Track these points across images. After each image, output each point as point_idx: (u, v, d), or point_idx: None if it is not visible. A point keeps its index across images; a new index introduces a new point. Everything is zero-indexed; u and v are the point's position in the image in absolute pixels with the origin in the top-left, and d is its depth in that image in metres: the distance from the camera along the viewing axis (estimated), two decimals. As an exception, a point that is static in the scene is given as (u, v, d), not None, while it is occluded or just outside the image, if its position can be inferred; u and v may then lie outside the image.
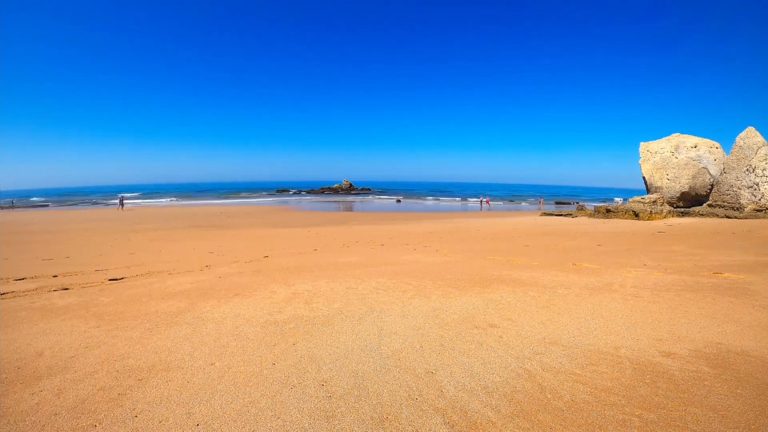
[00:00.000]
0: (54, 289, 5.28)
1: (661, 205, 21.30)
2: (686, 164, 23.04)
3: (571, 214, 23.84)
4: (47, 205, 40.96)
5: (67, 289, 5.28)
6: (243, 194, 64.44)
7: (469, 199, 53.09)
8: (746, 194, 20.04)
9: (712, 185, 22.37)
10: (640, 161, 25.18)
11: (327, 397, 2.26)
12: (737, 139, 20.89)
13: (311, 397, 2.26)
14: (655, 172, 23.97)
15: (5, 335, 3.36)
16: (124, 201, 36.09)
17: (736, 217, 18.71)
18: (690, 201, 23.06)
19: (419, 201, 50.45)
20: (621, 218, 20.42)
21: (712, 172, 22.62)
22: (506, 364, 2.64)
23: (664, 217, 19.80)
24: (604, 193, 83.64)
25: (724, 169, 21.20)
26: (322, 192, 68.96)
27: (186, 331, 3.42)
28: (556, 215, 24.01)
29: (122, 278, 6.11)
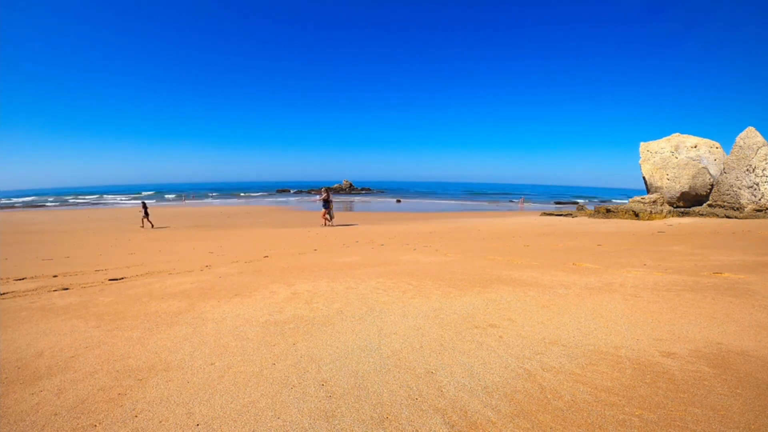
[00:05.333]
0: (54, 289, 5.28)
1: (661, 205, 21.29)
2: (686, 164, 23.03)
3: (571, 214, 23.82)
4: (44, 205, 40.90)
5: (67, 289, 5.28)
6: (243, 194, 64.41)
7: (470, 200, 53.14)
8: (746, 194, 20.04)
9: (712, 185, 22.36)
10: (640, 161, 25.17)
11: (327, 397, 2.26)
12: (737, 139, 20.88)
13: (311, 397, 2.26)
14: (655, 172, 23.96)
15: (5, 335, 3.36)
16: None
17: (736, 217, 18.70)
18: (690, 201, 23.05)
19: (419, 201, 50.41)
20: (621, 218, 20.40)
21: (712, 172, 22.61)
22: (506, 364, 2.64)
23: (664, 217, 19.79)
24: (604, 193, 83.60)
25: (724, 169, 21.19)
26: (322, 192, 68.90)
27: (186, 331, 3.42)
28: (556, 215, 24.00)
29: (122, 278, 6.11)
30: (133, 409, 2.15)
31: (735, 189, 20.41)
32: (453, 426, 1.97)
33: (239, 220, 22.23)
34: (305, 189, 76.81)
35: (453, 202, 49.73)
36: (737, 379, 2.37)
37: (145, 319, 3.77)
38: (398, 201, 49.07)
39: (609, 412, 2.05)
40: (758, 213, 18.98)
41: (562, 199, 55.60)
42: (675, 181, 23.16)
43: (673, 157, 23.59)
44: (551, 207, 39.10)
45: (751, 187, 20.04)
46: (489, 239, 12.00)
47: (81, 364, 2.73)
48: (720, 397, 2.16)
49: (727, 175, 20.82)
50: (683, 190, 22.93)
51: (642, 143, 25.42)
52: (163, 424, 2.01)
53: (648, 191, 24.66)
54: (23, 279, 6.18)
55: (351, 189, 73.30)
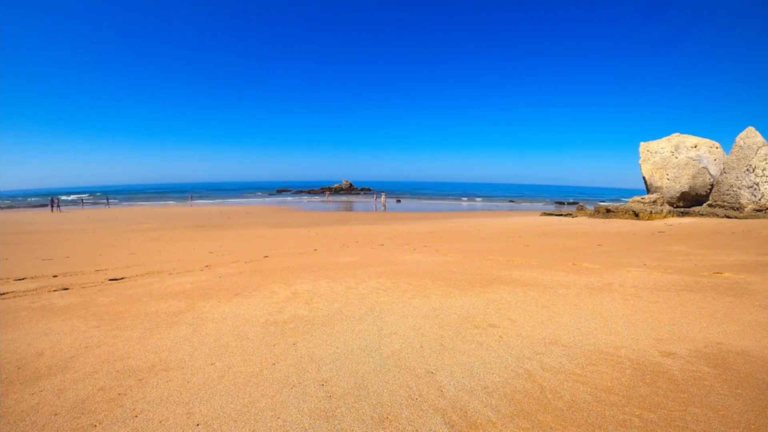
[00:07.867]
0: (54, 289, 5.28)
1: (661, 205, 21.29)
2: (686, 164, 23.04)
3: (571, 214, 23.82)
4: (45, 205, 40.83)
5: (67, 289, 5.28)
6: (243, 194, 64.40)
7: (476, 199, 53.20)
8: (746, 194, 20.04)
9: (712, 185, 22.37)
10: (640, 161, 25.17)
11: (327, 397, 2.26)
12: (737, 139, 20.88)
13: (311, 397, 2.26)
14: (655, 172, 23.97)
15: (5, 335, 3.36)
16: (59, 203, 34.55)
17: (736, 217, 18.70)
18: (690, 201, 23.06)
19: (419, 201, 50.41)
20: (621, 218, 20.40)
21: (712, 172, 22.62)
22: (506, 364, 2.64)
23: (664, 217, 19.79)
24: (604, 193, 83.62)
25: (724, 169, 21.19)
26: (322, 192, 68.96)
27: (186, 331, 3.42)
28: (556, 215, 24.00)
29: (122, 278, 6.11)
30: (133, 409, 2.15)
31: (735, 189, 20.41)
32: (453, 426, 1.97)
33: (239, 220, 22.23)
34: (305, 189, 76.82)
35: (453, 202, 49.72)
36: (737, 379, 2.37)
37: (145, 319, 3.77)
38: (398, 201, 49.06)
39: (609, 412, 2.05)
40: (758, 213, 18.98)
41: (562, 199, 55.61)
42: (675, 181, 23.16)
43: (673, 157, 23.59)
44: (551, 207, 39.11)
45: (751, 187, 20.04)
46: (489, 239, 12.00)
47: (81, 364, 2.73)
48: (720, 397, 2.16)
49: (727, 175, 20.82)
50: (683, 190, 22.93)
51: (642, 143, 25.43)
52: (163, 424, 2.01)
53: (648, 191, 24.67)
54: (23, 279, 6.18)
55: (351, 189, 73.31)
